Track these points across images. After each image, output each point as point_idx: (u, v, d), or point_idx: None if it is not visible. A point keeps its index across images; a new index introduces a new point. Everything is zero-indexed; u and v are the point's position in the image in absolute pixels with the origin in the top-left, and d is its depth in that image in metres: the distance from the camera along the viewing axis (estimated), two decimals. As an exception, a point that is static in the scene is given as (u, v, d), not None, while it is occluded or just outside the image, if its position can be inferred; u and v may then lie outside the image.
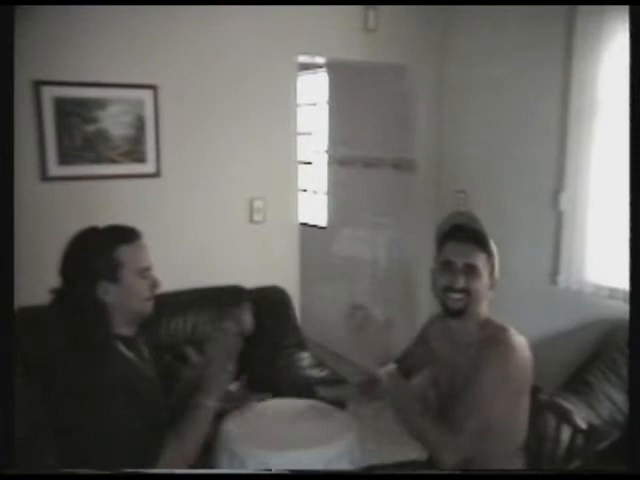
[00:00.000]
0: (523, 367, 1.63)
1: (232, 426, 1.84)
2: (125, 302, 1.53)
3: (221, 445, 1.80)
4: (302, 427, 1.70)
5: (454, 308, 1.67)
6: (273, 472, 1.48)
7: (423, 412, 1.67)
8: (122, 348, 1.55)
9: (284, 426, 1.67)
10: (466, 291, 1.65)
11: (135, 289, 1.54)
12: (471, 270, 1.65)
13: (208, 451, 1.70)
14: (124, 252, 1.52)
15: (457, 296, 1.66)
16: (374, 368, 1.74)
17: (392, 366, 1.73)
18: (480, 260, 1.65)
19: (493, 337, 1.63)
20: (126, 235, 1.55)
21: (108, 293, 1.51)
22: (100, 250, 1.51)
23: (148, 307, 1.59)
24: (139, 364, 1.59)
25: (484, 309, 1.71)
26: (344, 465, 1.60)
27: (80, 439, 1.42)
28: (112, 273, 1.50)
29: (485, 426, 1.58)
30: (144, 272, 1.56)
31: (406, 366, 1.96)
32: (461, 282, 1.65)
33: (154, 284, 1.59)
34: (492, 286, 1.70)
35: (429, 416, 1.67)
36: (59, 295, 1.52)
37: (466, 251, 1.66)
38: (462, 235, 1.67)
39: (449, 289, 1.67)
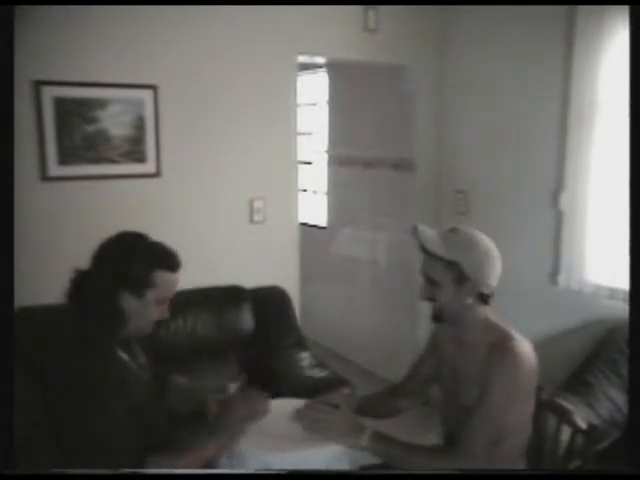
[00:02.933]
0: (530, 375, 1.62)
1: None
2: (135, 318, 1.54)
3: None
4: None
5: (432, 313, 1.73)
6: (273, 472, 1.48)
7: (425, 452, 1.64)
8: (118, 350, 1.57)
9: (284, 426, 1.66)
10: (434, 300, 1.69)
11: (151, 311, 1.56)
12: (431, 281, 1.68)
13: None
14: (162, 278, 1.54)
15: (431, 303, 1.71)
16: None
17: (369, 429, 1.63)
18: (436, 271, 1.66)
19: (500, 346, 1.61)
20: (171, 263, 1.57)
21: (127, 304, 1.52)
22: (144, 264, 1.53)
23: (149, 328, 1.61)
24: (134, 367, 1.61)
25: (479, 313, 1.69)
26: (344, 465, 1.60)
27: (77, 439, 1.42)
28: (141, 290, 1.52)
29: (498, 436, 1.58)
30: (165, 300, 1.59)
31: (422, 376, 1.94)
32: (428, 292, 1.70)
33: (163, 311, 1.60)
34: (471, 292, 1.66)
35: (432, 450, 1.68)
36: (82, 277, 1.51)
37: (426, 262, 1.69)
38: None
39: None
